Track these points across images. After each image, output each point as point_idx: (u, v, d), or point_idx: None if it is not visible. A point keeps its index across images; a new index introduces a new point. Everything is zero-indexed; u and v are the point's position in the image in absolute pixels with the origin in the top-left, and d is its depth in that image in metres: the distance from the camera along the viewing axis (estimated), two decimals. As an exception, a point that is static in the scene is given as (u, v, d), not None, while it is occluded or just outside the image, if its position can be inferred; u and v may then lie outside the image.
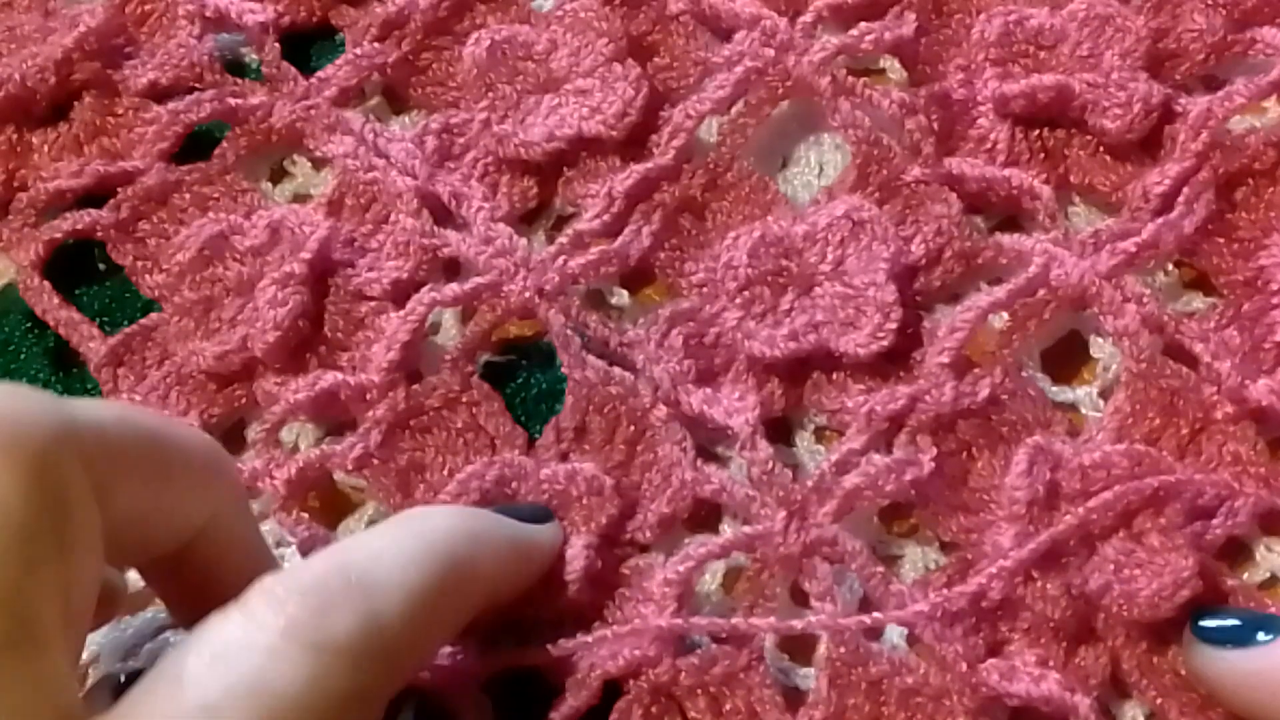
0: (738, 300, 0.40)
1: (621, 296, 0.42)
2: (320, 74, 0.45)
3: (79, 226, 0.43)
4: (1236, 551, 0.38)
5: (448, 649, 0.37)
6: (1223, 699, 0.35)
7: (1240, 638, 0.35)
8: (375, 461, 0.40)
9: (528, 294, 0.41)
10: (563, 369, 0.40)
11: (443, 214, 0.43)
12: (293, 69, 0.45)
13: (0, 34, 0.46)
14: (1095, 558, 0.36)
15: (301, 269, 0.41)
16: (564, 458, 0.39)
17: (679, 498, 0.39)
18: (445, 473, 0.40)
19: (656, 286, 0.43)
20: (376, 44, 0.45)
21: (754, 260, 0.40)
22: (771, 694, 0.37)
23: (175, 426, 0.32)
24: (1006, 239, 0.41)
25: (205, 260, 0.41)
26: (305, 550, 0.39)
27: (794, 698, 0.37)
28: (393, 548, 0.30)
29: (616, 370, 0.40)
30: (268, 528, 0.40)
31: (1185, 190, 0.41)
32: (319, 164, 0.45)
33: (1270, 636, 0.34)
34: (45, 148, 0.44)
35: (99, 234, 0.43)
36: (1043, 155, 0.42)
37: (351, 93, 0.45)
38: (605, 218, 0.42)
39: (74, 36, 0.44)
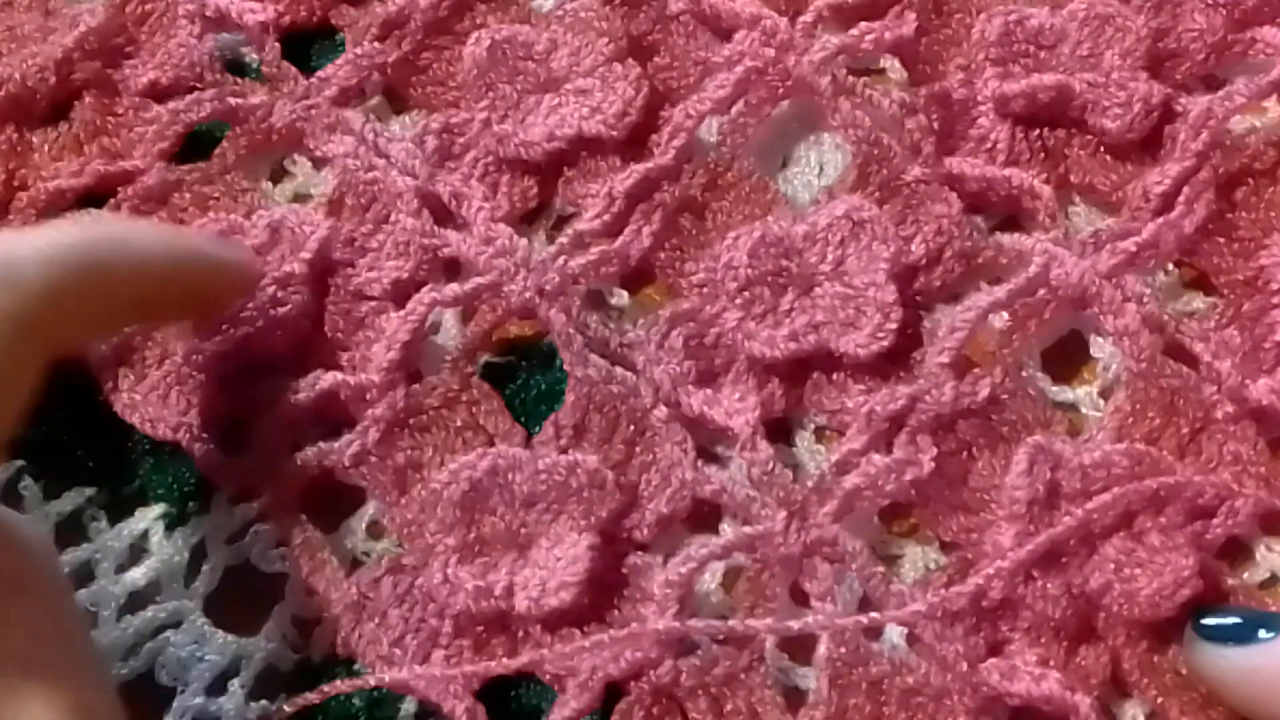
0: (738, 300, 0.40)
1: (621, 297, 0.42)
2: (320, 74, 0.45)
3: (80, 227, 0.43)
4: (1236, 551, 0.38)
5: (441, 653, 0.37)
6: (1224, 696, 0.35)
7: (1241, 635, 0.35)
8: (373, 459, 0.40)
9: (528, 294, 0.41)
10: (565, 366, 0.40)
11: (443, 214, 0.43)
12: (293, 68, 0.45)
13: (0, 33, 0.46)
14: (1096, 557, 0.37)
15: (302, 269, 0.41)
16: (562, 454, 0.39)
17: (678, 498, 0.39)
18: (443, 471, 0.40)
19: (657, 286, 0.43)
20: (377, 43, 0.45)
21: (754, 260, 0.40)
22: (772, 694, 0.37)
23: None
24: (1006, 239, 0.41)
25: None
26: (301, 554, 0.39)
27: (795, 698, 0.37)
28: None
29: (619, 369, 0.40)
30: (267, 527, 0.40)
31: (1185, 190, 0.41)
32: (319, 164, 0.45)
33: (1271, 634, 0.34)
34: (45, 147, 0.44)
35: (100, 234, 0.43)
36: (1043, 155, 0.42)
37: (352, 92, 0.45)
38: (605, 217, 0.42)
39: (74, 36, 0.44)
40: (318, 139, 0.44)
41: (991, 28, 0.43)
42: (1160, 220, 0.41)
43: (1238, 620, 0.35)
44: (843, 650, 0.37)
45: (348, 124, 0.44)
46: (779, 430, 0.40)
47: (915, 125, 0.42)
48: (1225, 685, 0.35)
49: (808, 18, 0.44)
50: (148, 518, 0.41)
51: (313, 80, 0.44)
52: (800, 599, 0.38)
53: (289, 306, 0.40)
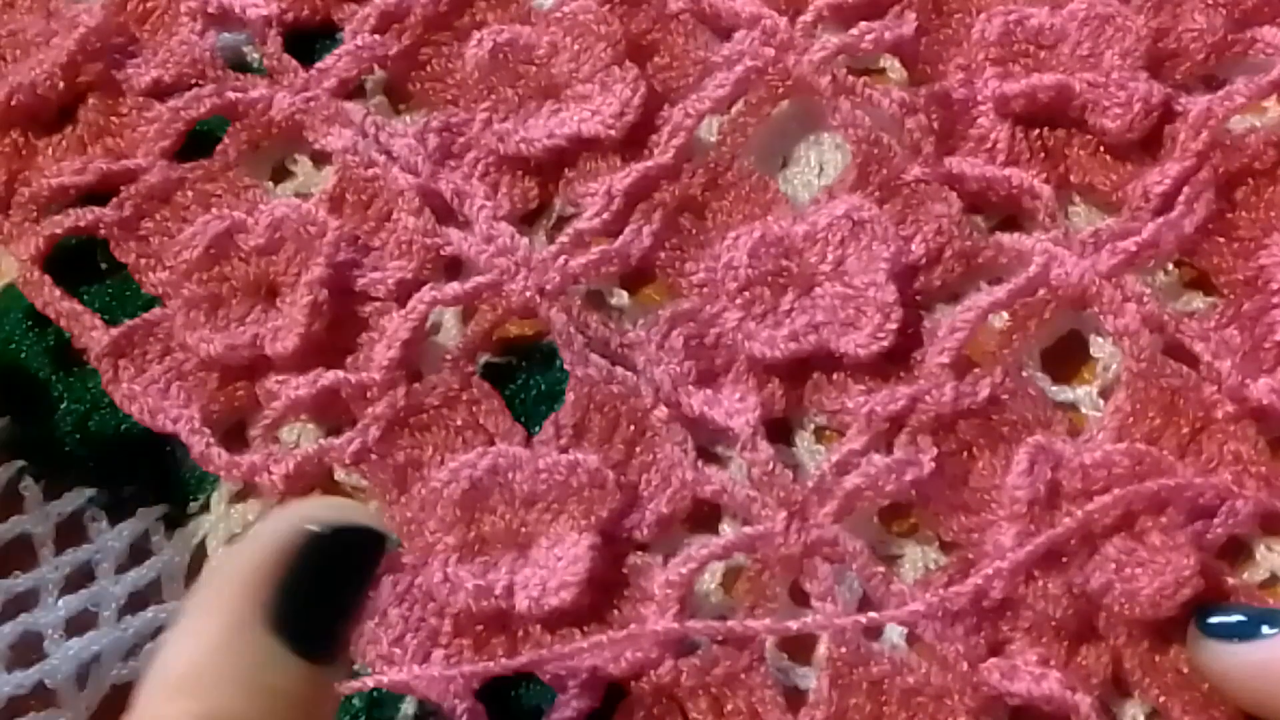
0: (738, 301, 0.40)
1: (621, 297, 0.42)
2: (319, 65, 0.45)
3: (82, 224, 0.43)
4: (1237, 551, 0.38)
5: (441, 653, 0.37)
6: (1229, 692, 0.35)
7: (1246, 632, 0.35)
8: (373, 457, 0.40)
9: (529, 293, 0.41)
10: (565, 366, 0.40)
11: (444, 212, 0.43)
12: (294, 61, 0.45)
13: (3, 37, 0.46)
14: (1097, 557, 0.36)
15: (323, 273, 0.41)
16: (563, 453, 0.39)
17: (678, 498, 0.39)
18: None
19: (656, 286, 0.43)
20: (376, 35, 0.45)
21: (754, 260, 0.40)
22: (773, 694, 0.37)
23: None
24: (1007, 238, 0.41)
25: (212, 259, 0.41)
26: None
27: (795, 698, 0.37)
28: None
29: (619, 369, 0.40)
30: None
31: (1185, 190, 0.41)
32: (320, 161, 0.45)
33: (1275, 630, 0.34)
34: (50, 150, 0.44)
35: (102, 231, 0.43)
36: (1043, 155, 0.43)
37: (351, 85, 0.45)
38: (605, 216, 0.42)
39: (76, 38, 0.44)
40: (317, 131, 0.44)
41: (991, 27, 0.43)
42: (1160, 220, 0.41)
43: (1242, 618, 0.35)
44: (843, 650, 0.37)
45: (348, 116, 0.44)
46: (779, 430, 0.40)
47: (915, 125, 0.42)
48: (1231, 681, 0.35)
49: (808, 17, 0.44)
50: (148, 518, 0.41)
51: (312, 72, 0.44)
52: (800, 599, 0.38)
53: (311, 313, 0.40)
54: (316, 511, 0.30)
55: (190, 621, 0.28)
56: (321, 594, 0.29)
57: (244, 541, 0.29)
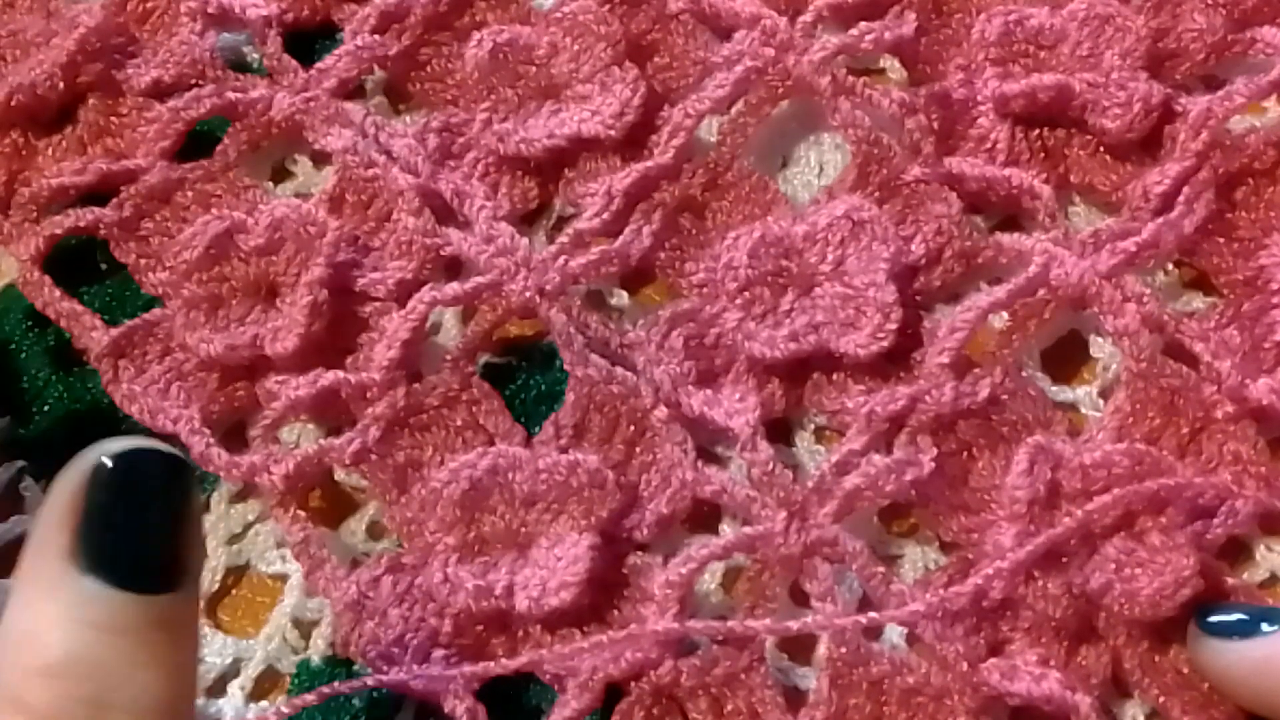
0: (738, 301, 0.40)
1: (621, 297, 0.42)
2: (319, 65, 0.45)
3: (81, 224, 0.43)
4: (1237, 551, 0.39)
5: (441, 653, 0.37)
6: (1230, 691, 0.36)
7: (1246, 630, 0.35)
8: (373, 457, 0.40)
9: (529, 293, 0.41)
10: (565, 366, 0.40)
11: (444, 212, 0.43)
12: (294, 61, 0.45)
13: (3, 37, 0.46)
14: (1096, 557, 0.36)
15: (323, 273, 0.41)
16: (563, 454, 0.39)
17: (678, 498, 0.39)
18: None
19: (656, 286, 0.43)
20: (376, 36, 0.45)
21: (754, 260, 0.40)
22: (773, 695, 0.37)
23: None
24: (1006, 238, 0.42)
25: (212, 259, 0.41)
26: (300, 554, 0.39)
27: (795, 698, 0.37)
28: None
29: (619, 369, 0.40)
30: (267, 528, 0.40)
31: (1185, 190, 0.41)
32: (319, 161, 0.45)
33: (1275, 627, 0.35)
34: (50, 150, 0.44)
35: (102, 232, 0.43)
36: (1043, 155, 0.43)
37: (351, 85, 0.45)
38: (605, 216, 0.42)
39: (76, 39, 0.44)
40: (317, 131, 0.44)
41: (991, 28, 0.43)
42: (1160, 220, 0.41)
43: (1242, 616, 0.35)
44: (843, 650, 0.37)
45: (347, 116, 0.44)
46: (779, 430, 0.41)
47: (915, 125, 0.42)
48: (1231, 679, 0.35)
49: (808, 17, 0.44)
50: (148, 518, 0.41)
51: (312, 72, 0.44)
52: (800, 599, 0.38)
53: (311, 312, 0.40)
54: (101, 446, 0.29)
55: (18, 595, 0.28)
56: (124, 523, 0.28)
57: (45, 499, 0.29)
